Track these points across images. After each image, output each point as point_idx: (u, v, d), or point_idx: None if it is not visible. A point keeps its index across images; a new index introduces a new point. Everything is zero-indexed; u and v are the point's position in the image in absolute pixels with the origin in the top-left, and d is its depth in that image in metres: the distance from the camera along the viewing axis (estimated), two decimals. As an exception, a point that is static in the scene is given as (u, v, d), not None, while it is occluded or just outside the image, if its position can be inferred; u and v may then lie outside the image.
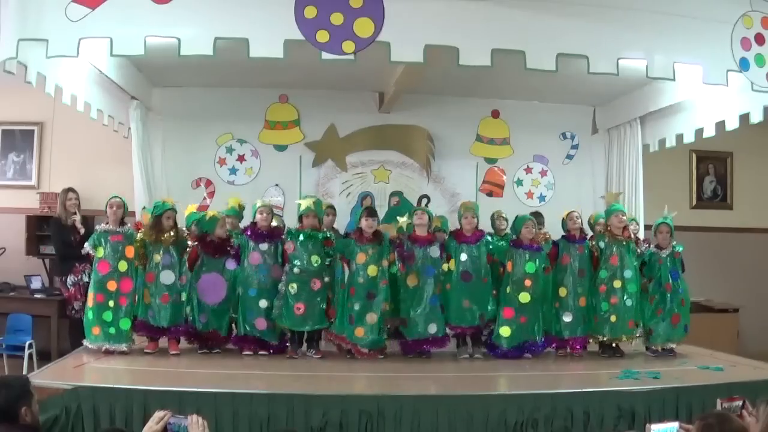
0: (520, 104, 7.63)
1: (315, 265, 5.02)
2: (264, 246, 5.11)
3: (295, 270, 4.99)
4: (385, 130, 7.47)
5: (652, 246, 5.52)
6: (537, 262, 5.16)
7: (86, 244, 5.02)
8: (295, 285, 4.98)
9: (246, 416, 3.72)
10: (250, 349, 5.06)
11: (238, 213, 5.54)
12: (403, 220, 5.35)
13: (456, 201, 7.13)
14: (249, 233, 5.15)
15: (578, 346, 5.33)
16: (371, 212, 5.21)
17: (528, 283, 5.12)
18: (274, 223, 5.30)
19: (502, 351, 5.15)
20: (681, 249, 5.46)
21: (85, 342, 4.91)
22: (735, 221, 8.46)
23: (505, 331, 5.13)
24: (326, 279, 5.13)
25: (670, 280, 5.35)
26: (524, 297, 5.11)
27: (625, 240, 5.37)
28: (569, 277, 5.32)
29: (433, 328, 5.12)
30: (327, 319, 5.16)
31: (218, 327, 5.11)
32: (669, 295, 5.34)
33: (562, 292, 5.33)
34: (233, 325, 5.21)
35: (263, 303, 5.05)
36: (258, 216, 5.16)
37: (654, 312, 5.35)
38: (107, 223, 5.04)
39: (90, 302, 4.89)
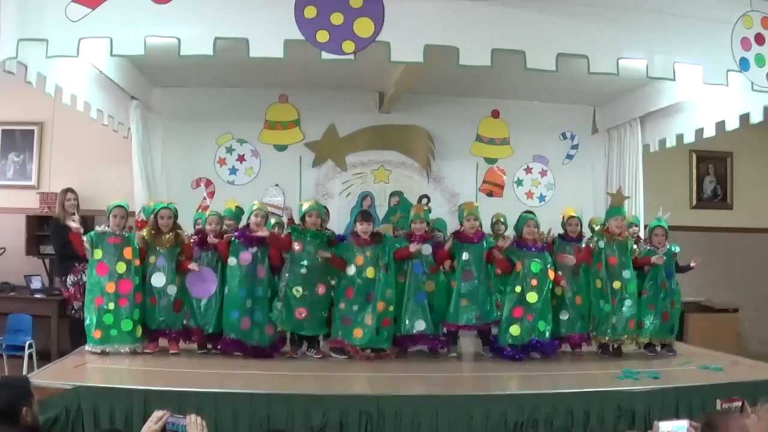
0: (520, 104, 7.65)
1: (322, 264, 5.00)
2: (254, 248, 5.02)
3: (302, 270, 4.96)
4: (385, 130, 7.47)
5: (649, 246, 5.52)
6: (542, 262, 5.17)
7: (84, 239, 4.90)
8: (300, 288, 4.94)
9: (246, 416, 3.71)
10: (239, 350, 4.94)
11: (234, 214, 5.45)
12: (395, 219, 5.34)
13: (456, 201, 7.14)
14: (239, 235, 5.06)
15: (578, 344, 5.35)
16: (366, 216, 5.17)
17: (534, 282, 5.12)
18: (273, 221, 5.29)
19: (509, 352, 5.12)
20: (677, 250, 5.48)
21: (87, 347, 4.86)
22: (735, 221, 8.45)
23: (515, 330, 5.10)
24: (332, 282, 5.10)
25: (665, 278, 5.37)
26: (532, 296, 5.10)
27: (624, 240, 5.38)
28: (565, 276, 5.30)
29: (421, 325, 5.07)
30: (326, 326, 5.12)
31: (203, 324, 5.03)
32: (663, 293, 5.36)
33: (558, 290, 5.33)
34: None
35: (249, 303, 4.95)
36: (252, 218, 5.06)
37: (646, 306, 5.36)
38: (107, 226, 4.98)
39: (88, 305, 4.85)
